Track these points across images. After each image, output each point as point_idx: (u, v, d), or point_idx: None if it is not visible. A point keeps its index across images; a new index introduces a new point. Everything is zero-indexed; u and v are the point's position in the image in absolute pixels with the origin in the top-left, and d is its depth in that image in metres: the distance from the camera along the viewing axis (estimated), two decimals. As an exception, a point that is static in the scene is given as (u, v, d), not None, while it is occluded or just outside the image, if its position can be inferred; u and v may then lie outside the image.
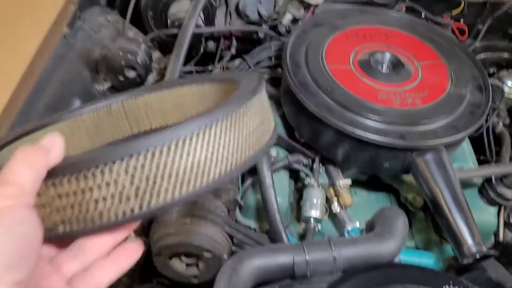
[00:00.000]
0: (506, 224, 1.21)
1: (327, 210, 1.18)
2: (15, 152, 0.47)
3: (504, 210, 1.20)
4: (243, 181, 1.12)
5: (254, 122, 0.55)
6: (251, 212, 1.14)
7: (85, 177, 0.47)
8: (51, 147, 0.48)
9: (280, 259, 0.89)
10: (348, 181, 1.17)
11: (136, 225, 0.55)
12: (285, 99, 1.25)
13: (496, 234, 1.18)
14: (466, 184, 1.20)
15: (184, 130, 0.47)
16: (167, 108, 0.79)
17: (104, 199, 0.47)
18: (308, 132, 1.18)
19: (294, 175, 1.26)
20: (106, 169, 0.46)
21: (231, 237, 0.95)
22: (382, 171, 1.16)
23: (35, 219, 0.46)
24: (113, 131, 0.79)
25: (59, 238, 0.51)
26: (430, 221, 1.22)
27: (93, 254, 0.53)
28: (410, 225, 1.26)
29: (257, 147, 0.55)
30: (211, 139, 0.49)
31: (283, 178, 1.19)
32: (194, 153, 0.48)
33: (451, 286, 0.74)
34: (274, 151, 1.20)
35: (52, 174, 0.47)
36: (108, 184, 0.46)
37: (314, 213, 1.12)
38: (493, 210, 1.17)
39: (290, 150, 1.22)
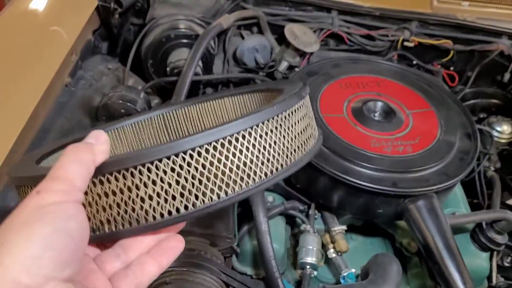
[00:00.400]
0: (499, 268, 1.22)
1: (323, 256, 1.20)
2: (65, 150, 0.47)
3: (497, 254, 1.22)
4: (239, 228, 1.14)
5: (300, 125, 0.54)
6: (247, 259, 1.15)
7: (132, 174, 0.46)
8: (96, 142, 0.48)
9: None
10: (344, 228, 1.19)
11: (181, 226, 0.54)
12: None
13: (489, 278, 1.19)
14: (458, 229, 1.22)
15: (231, 129, 0.46)
16: (207, 119, 0.79)
17: (150, 197, 0.47)
18: (303, 178, 1.21)
19: (290, 221, 1.27)
20: (153, 167, 0.45)
21: (227, 285, 0.96)
22: (376, 217, 1.18)
23: (84, 216, 0.45)
24: (154, 143, 0.80)
25: (105, 238, 0.50)
26: (425, 266, 1.23)
27: (135, 252, 0.52)
28: (406, 271, 1.28)
29: (304, 150, 0.54)
30: (258, 139, 0.48)
31: (279, 224, 1.21)
32: (241, 152, 0.47)
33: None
34: (270, 197, 1.22)
35: (99, 171, 0.47)
36: (154, 182, 0.46)
37: (310, 259, 1.13)
38: (485, 255, 1.19)
39: (286, 196, 1.25)
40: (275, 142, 0.50)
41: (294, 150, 0.53)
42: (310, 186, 1.20)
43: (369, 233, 1.33)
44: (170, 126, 0.79)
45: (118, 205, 0.48)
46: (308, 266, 1.13)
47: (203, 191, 0.47)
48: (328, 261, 1.22)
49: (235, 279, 0.96)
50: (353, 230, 1.31)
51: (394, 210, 1.12)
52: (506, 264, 1.33)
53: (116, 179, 0.47)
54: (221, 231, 1.00)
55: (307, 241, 1.15)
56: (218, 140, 0.46)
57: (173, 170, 0.46)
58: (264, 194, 1.18)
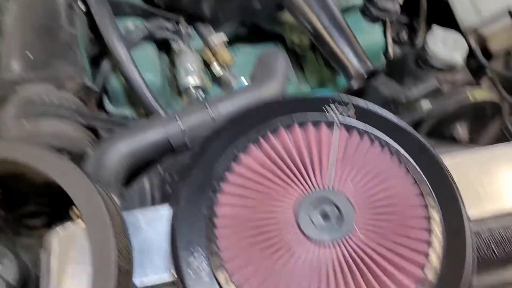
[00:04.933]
0: (395, 41, 1.15)
1: (209, 77, 1.06)
2: None
3: (392, 26, 1.13)
4: (97, 65, 0.95)
5: None
6: (121, 99, 0.98)
7: None
8: None
9: (150, 136, 0.77)
10: (222, 36, 1.03)
11: None
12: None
13: (385, 52, 1.12)
14: (348, 9, 1.10)
15: None
16: None
17: None
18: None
19: (164, 47, 1.09)
20: None
21: (94, 130, 0.80)
22: (255, 14, 1.02)
23: None
24: None
25: None
26: (320, 59, 1.13)
27: None
28: (303, 70, 1.18)
29: None
30: None
31: (149, 51, 1.02)
32: None
33: (332, 104, 0.65)
34: (129, 23, 1.01)
35: None
36: None
37: (192, 80, 0.98)
38: (377, 27, 1.10)
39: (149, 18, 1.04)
40: None
41: None
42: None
43: (258, 40, 1.18)
44: None
45: None
46: (192, 89, 0.99)
47: None
48: (218, 80, 1.08)
49: (100, 119, 0.80)
50: (239, 41, 1.15)
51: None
52: (403, 40, 1.27)
53: None
54: (65, 69, 0.80)
55: (184, 60, 0.99)
56: None
57: None
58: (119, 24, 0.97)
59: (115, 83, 0.97)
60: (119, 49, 0.88)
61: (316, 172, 0.61)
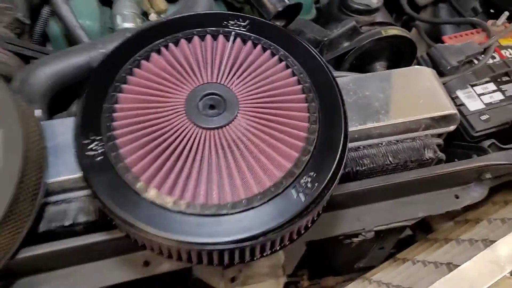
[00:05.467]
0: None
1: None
2: None
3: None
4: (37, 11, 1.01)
5: None
6: (60, 43, 1.04)
7: None
8: None
9: (73, 60, 0.83)
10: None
11: None
12: None
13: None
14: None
15: None
16: None
17: None
18: None
19: (109, 3, 1.15)
20: None
21: (26, 57, 0.86)
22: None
23: None
24: None
25: None
26: (256, 11, 1.19)
27: None
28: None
29: None
30: None
31: (89, 1, 1.08)
32: None
33: (232, 21, 0.72)
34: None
35: None
36: None
37: (128, 25, 1.04)
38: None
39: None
40: None
41: None
42: None
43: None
44: None
45: None
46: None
47: None
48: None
49: (27, 47, 0.86)
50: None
51: None
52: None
53: None
54: (-2, 4, 0.86)
55: (120, 6, 1.05)
56: None
57: None
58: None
59: (54, 28, 1.03)
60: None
61: (208, 71, 0.67)
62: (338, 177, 0.62)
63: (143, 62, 0.68)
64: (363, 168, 0.80)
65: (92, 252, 0.72)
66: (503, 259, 0.81)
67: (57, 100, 0.84)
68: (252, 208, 0.58)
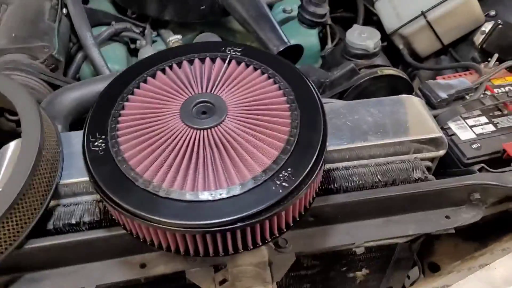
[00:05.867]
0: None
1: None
2: None
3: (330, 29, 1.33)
4: (72, 57, 1.16)
5: None
6: (90, 82, 1.18)
7: None
8: None
9: (97, 87, 0.95)
10: (178, 37, 1.23)
11: None
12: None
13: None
14: (286, 20, 1.31)
15: None
16: None
17: None
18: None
19: (136, 53, 1.30)
20: None
21: (51, 84, 0.99)
22: (203, 14, 1.22)
23: None
24: None
25: None
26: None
27: None
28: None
29: None
30: None
31: (118, 49, 1.24)
32: None
33: (229, 47, 0.82)
34: (103, 28, 1.24)
35: None
36: None
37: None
38: (314, 31, 1.28)
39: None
40: None
41: None
42: (139, 5, 1.22)
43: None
44: None
45: None
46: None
47: None
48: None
49: (58, 78, 0.99)
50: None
51: (213, 1, 1.17)
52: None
53: None
54: (37, 44, 1.01)
55: (144, 53, 1.19)
56: None
57: None
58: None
59: (85, 70, 1.18)
60: (87, 36, 1.10)
61: (203, 84, 0.77)
62: (315, 175, 0.67)
63: (149, 78, 0.79)
64: (352, 185, 0.84)
65: (93, 252, 0.77)
66: (499, 280, 0.81)
67: (79, 124, 0.96)
68: (233, 196, 0.64)
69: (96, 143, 0.70)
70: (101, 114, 0.74)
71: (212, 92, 0.75)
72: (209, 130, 0.70)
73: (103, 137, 0.71)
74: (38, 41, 1.02)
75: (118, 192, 0.65)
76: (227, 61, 0.80)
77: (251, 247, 0.68)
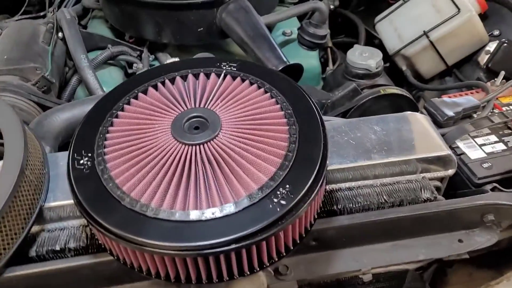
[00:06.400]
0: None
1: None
2: None
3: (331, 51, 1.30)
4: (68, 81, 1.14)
5: None
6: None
7: None
8: None
9: (88, 108, 0.90)
10: (176, 59, 1.21)
11: None
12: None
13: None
14: (286, 42, 1.29)
15: None
16: None
17: None
18: (122, 19, 1.21)
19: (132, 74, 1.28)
20: None
21: (42, 106, 0.96)
22: (202, 38, 1.20)
23: None
24: None
25: None
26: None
27: None
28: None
29: None
30: None
31: (115, 72, 1.21)
32: None
33: (224, 63, 0.79)
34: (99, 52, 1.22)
35: None
36: None
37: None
38: (314, 53, 1.26)
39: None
40: None
41: None
42: (132, 26, 1.20)
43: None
44: None
45: None
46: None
47: None
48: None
49: (49, 100, 0.96)
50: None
51: (212, 24, 1.15)
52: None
53: None
54: (29, 65, 0.99)
55: (140, 76, 1.16)
56: None
57: None
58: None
59: (80, 94, 1.15)
60: (81, 59, 1.07)
61: (196, 99, 0.73)
62: (316, 191, 0.62)
63: (140, 94, 0.75)
64: (357, 206, 0.79)
65: (79, 280, 0.72)
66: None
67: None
68: (227, 215, 0.59)
69: (82, 161, 0.66)
70: (89, 131, 0.70)
71: (206, 107, 0.71)
72: (201, 146, 0.65)
73: (89, 154, 0.66)
74: (30, 62, 1.00)
75: (102, 212, 0.60)
76: (222, 76, 0.77)
77: (248, 273, 0.63)
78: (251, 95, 0.73)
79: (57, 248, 0.72)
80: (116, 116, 0.72)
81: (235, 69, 0.79)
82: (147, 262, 0.61)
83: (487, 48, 1.24)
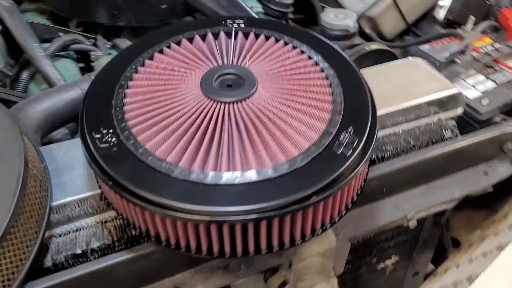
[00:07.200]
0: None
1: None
2: None
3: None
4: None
5: None
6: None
7: None
8: None
9: (67, 95, 0.79)
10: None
11: None
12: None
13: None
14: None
15: None
16: None
17: None
18: (71, 3, 1.07)
19: (87, 66, 1.14)
20: None
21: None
22: (164, 17, 1.10)
23: None
24: None
25: None
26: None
27: None
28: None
29: None
30: None
31: (69, 65, 1.06)
32: None
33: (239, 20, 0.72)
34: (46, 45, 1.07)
35: None
36: None
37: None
38: (281, 23, 1.22)
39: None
40: None
41: None
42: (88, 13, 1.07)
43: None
44: None
45: None
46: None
47: None
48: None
49: (12, 94, 0.81)
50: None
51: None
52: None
53: None
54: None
55: (101, 64, 1.04)
56: None
57: None
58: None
59: (34, 91, 0.99)
60: (34, 48, 0.93)
61: (222, 56, 0.65)
62: (376, 133, 0.57)
63: (147, 61, 0.65)
64: (388, 155, 0.76)
65: (112, 284, 0.60)
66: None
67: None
68: (296, 169, 0.52)
69: (104, 139, 0.55)
70: (99, 107, 0.59)
71: (235, 63, 0.64)
72: (240, 103, 0.58)
73: (111, 130, 0.56)
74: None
75: (154, 188, 0.50)
76: (240, 34, 0.69)
77: (320, 232, 0.56)
78: (281, 51, 0.67)
79: (79, 251, 0.60)
80: (127, 87, 0.62)
81: (243, 26, 0.72)
82: (211, 237, 0.52)
83: (439, 3, 1.28)
